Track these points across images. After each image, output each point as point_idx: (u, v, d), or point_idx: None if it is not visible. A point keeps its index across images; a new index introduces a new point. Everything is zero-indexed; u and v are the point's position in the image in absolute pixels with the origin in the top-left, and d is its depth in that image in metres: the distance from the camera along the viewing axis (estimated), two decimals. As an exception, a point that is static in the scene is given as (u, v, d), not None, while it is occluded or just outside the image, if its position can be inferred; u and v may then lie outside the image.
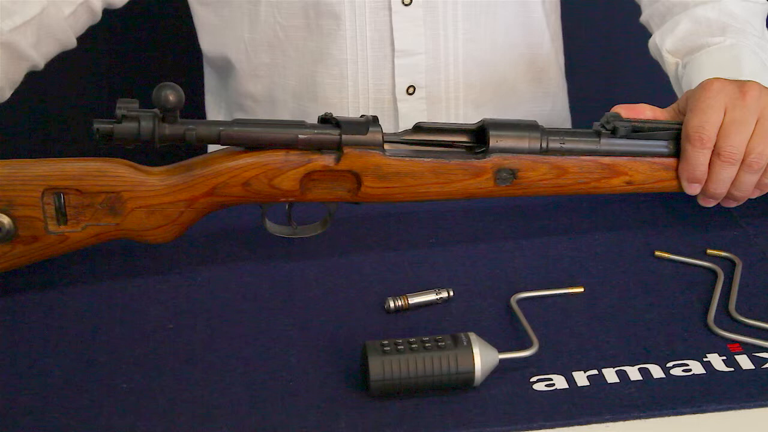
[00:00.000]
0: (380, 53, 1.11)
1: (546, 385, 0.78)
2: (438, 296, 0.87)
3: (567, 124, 1.34)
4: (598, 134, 0.91)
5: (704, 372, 0.80)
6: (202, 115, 1.34)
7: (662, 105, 0.97)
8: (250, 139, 0.85)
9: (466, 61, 1.15)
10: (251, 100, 1.22)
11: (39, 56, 1.07)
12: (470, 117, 1.17)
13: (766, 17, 1.13)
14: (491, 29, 1.15)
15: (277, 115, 1.20)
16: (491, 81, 1.18)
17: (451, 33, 1.13)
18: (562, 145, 0.90)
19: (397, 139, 0.88)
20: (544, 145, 0.89)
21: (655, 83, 1.17)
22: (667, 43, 1.12)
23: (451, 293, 0.87)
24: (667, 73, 1.13)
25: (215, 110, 1.32)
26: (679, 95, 1.10)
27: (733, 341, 0.83)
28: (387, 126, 1.13)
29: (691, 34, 1.10)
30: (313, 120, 0.88)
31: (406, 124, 1.13)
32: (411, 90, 1.14)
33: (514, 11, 1.18)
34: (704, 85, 0.92)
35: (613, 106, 0.94)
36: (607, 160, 0.91)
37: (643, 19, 1.20)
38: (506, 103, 1.21)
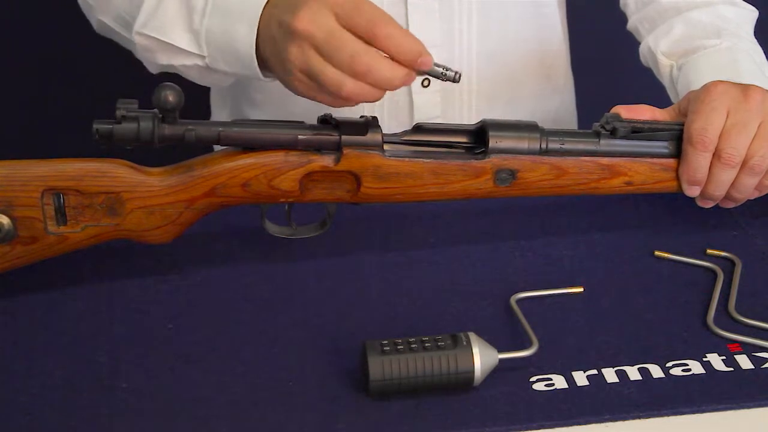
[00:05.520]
0: None
1: (545, 385, 0.78)
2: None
3: (573, 121, 1.34)
4: (598, 135, 0.91)
5: (704, 372, 0.80)
6: (207, 107, 1.33)
7: (663, 106, 0.96)
8: (249, 139, 0.85)
9: (480, 55, 1.15)
10: (261, 93, 1.21)
11: None
12: (483, 111, 1.16)
13: (754, 24, 1.14)
14: (503, 23, 1.15)
15: (290, 109, 1.19)
16: (502, 75, 1.17)
17: (465, 26, 1.13)
18: (562, 146, 0.90)
19: (397, 139, 0.88)
20: (543, 145, 0.89)
21: (657, 83, 1.16)
22: (661, 46, 1.12)
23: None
24: (660, 77, 1.13)
25: (220, 102, 1.30)
26: (673, 98, 1.10)
27: (733, 341, 0.83)
28: (403, 119, 1.13)
29: (686, 37, 1.10)
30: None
31: (421, 117, 1.13)
32: (426, 83, 1.13)
33: (525, 5, 1.18)
34: (708, 88, 0.92)
35: (613, 106, 0.94)
36: (606, 160, 0.91)
37: (630, 25, 1.19)
38: (515, 98, 1.20)
